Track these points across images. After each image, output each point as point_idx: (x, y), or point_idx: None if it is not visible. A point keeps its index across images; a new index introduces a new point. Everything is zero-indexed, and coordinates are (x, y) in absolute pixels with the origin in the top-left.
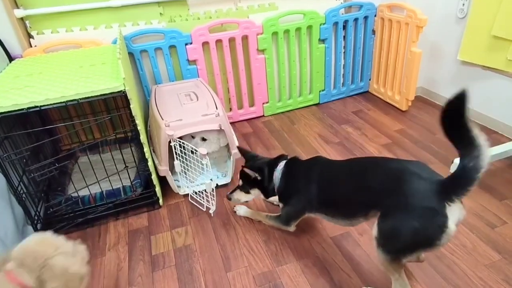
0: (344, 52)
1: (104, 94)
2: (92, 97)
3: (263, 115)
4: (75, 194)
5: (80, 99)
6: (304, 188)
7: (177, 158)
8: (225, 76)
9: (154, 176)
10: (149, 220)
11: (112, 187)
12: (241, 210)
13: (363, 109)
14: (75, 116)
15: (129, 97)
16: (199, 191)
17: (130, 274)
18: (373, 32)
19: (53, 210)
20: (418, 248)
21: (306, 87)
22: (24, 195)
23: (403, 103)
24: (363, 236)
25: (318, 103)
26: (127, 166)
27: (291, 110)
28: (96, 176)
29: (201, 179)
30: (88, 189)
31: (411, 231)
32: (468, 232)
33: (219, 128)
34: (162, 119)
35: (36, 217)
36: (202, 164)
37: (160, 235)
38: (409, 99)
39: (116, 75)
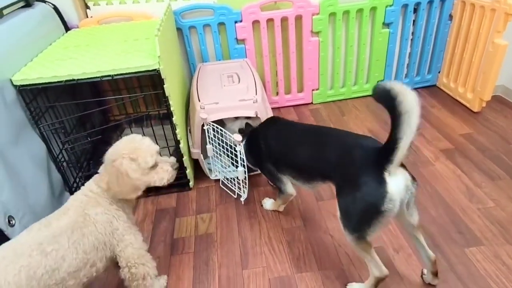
0: (411, 39)
1: (138, 72)
2: (126, 73)
3: (312, 103)
4: None
5: (114, 75)
6: (264, 146)
7: (209, 142)
8: (274, 58)
9: (186, 158)
10: (177, 201)
11: None
12: (268, 203)
13: (426, 106)
14: (124, 89)
15: (163, 76)
16: (231, 178)
17: (150, 254)
18: (450, 17)
19: None
20: (370, 218)
21: (363, 76)
22: (64, 163)
23: (476, 103)
24: (398, 254)
25: None
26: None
27: (343, 99)
28: None
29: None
30: None
31: (357, 202)
32: None
33: (255, 116)
34: (199, 101)
35: (74, 185)
36: (236, 151)
37: (184, 219)
38: (484, 99)
39: (155, 52)
